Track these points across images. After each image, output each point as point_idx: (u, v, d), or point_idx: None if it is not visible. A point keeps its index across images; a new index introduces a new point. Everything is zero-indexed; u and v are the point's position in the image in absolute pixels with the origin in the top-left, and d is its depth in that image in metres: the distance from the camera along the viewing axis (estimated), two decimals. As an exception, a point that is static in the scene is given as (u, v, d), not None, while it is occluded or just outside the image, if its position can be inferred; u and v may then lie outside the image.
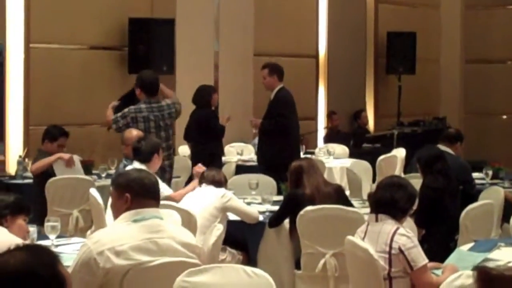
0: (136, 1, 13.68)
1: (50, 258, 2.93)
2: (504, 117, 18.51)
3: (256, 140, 13.01)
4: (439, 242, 7.78)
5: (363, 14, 17.72)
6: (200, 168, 8.65)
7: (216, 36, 14.42)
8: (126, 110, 9.57)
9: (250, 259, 7.94)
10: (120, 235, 5.10)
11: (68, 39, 12.90)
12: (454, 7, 19.30)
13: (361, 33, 17.72)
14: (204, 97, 11.56)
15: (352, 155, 13.62)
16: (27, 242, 5.77)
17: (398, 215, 6.13)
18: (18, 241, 5.34)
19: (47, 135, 10.04)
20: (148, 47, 13.16)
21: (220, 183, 8.26)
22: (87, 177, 9.75)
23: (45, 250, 3.05)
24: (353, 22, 17.43)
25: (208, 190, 8.07)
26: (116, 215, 5.32)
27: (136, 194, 5.19)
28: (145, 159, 8.07)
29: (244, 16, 14.79)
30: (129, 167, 8.12)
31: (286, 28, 15.76)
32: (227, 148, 13.26)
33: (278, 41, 15.25)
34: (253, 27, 14.89)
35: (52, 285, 2.84)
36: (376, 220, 6.13)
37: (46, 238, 6.47)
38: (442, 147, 10.07)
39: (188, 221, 7.04)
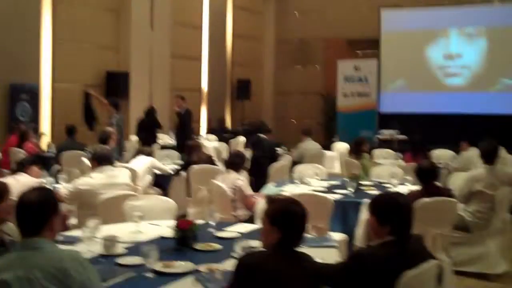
0: (110, 62, 13.32)
1: (50, 192, 2.87)
2: (294, 121, 18.70)
3: (171, 133, 12.90)
4: (259, 183, 7.72)
5: (225, 68, 17.67)
6: None
7: (150, 80, 14.19)
8: None
9: (166, 193, 7.87)
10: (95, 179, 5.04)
11: (75, 80, 12.48)
12: (270, 66, 19.45)
13: (224, 78, 17.61)
14: (152, 112, 11.51)
15: (219, 140, 13.53)
16: (42, 181, 5.74)
17: (238, 169, 6.17)
18: (36, 180, 5.34)
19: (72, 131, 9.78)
20: (116, 85, 12.91)
21: (150, 154, 8.18)
22: (83, 152, 9.43)
23: (47, 189, 3.00)
24: (220, 71, 17.32)
25: (144, 158, 7.98)
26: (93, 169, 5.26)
27: (98, 161, 5.14)
28: (102, 142, 7.88)
29: (165, 70, 14.60)
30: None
31: (186, 74, 15.60)
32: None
33: (181, 81, 15.07)
34: (169, 76, 14.72)
35: (54, 207, 2.78)
36: (227, 172, 6.16)
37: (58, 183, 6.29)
38: (261, 135, 10.08)
39: (133, 173, 6.94)
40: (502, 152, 8.21)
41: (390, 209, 3.14)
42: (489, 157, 6.05)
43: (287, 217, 2.81)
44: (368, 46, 17.01)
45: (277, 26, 19.34)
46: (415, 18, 16.33)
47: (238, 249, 3.40)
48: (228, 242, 3.90)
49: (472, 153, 7.52)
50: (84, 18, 12.69)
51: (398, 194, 3.53)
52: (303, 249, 3.19)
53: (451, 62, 15.91)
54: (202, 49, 16.53)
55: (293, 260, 2.79)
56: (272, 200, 2.96)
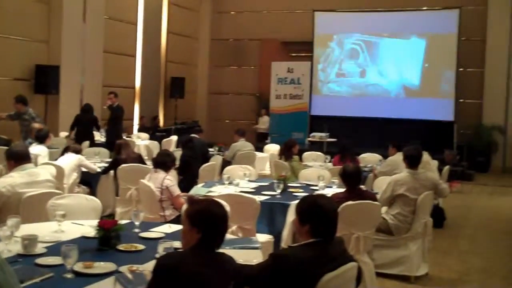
0: (40, 55, 12.91)
1: None
2: (227, 121, 18.76)
3: (102, 130, 12.68)
4: (188, 183, 7.65)
5: (159, 65, 17.54)
6: None
7: (82, 74, 13.89)
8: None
9: (93, 192, 7.76)
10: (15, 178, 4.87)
11: (3, 74, 12.08)
12: (205, 65, 19.42)
13: (158, 75, 17.50)
14: (90, 109, 11.38)
15: (151, 138, 13.37)
16: None
17: (167, 169, 6.13)
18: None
19: None
20: (46, 79, 12.57)
21: (78, 151, 8.03)
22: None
23: None
24: (154, 69, 17.21)
25: (72, 155, 7.82)
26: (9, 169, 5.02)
27: (15, 160, 4.94)
28: (41, 141, 7.74)
29: (97, 64, 14.34)
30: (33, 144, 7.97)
31: (120, 70, 15.40)
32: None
33: (114, 77, 14.87)
34: (102, 72, 14.46)
35: None
36: (156, 171, 6.11)
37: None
38: (194, 135, 10.07)
39: (59, 171, 6.80)
40: (427, 157, 8.52)
41: (310, 209, 3.21)
42: (412, 162, 6.24)
43: (207, 218, 2.83)
44: (302, 48, 17.28)
45: (212, 25, 19.36)
46: (349, 23, 16.70)
47: (161, 250, 3.39)
48: (152, 242, 3.88)
49: (398, 157, 7.71)
50: (12, 9, 12.31)
51: (321, 196, 3.61)
52: (226, 250, 3.22)
53: (382, 67, 16.32)
54: (136, 45, 16.36)
55: (213, 261, 2.81)
56: (192, 201, 2.96)
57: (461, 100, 15.88)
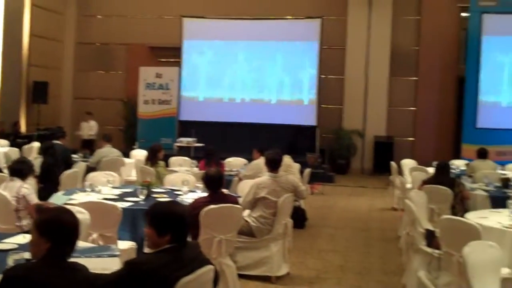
0: None
1: None
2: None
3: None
4: (49, 191, 7.04)
5: (21, 69, 16.69)
6: None
7: None
8: None
9: None
10: None
11: None
12: (70, 69, 18.77)
13: (20, 80, 16.57)
14: None
15: (11, 145, 12.61)
16: None
17: (23, 177, 5.86)
18: None
19: None
20: None
21: None
22: None
23: None
24: (16, 73, 16.27)
25: None
26: None
27: None
28: None
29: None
30: None
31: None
32: None
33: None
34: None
35: None
36: (12, 180, 5.83)
37: None
38: (56, 141, 9.57)
39: None
40: (289, 160, 8.80)
41: (169, 219, 3.17)
42: (273, 165, 6.44)
43: (56, 227, 2.75)
44: (171, 54, 17.22)
45: (78, 28, 18.81)
46: (216, 30, 16.86)
47: (10, 262, 3.24)
48: (3, 254, 3.69)
49: (262, 161, 7.89)
50: None
51: (171, 202, 3.60)
52: (82, 259, 3.15)
53: (248, 74, 16.64)
54: (-6, 48, 15.50)
55: (64, 271, 2.73)
56: (40, 210, 2.87)
57: (323, 106, 16.53)
